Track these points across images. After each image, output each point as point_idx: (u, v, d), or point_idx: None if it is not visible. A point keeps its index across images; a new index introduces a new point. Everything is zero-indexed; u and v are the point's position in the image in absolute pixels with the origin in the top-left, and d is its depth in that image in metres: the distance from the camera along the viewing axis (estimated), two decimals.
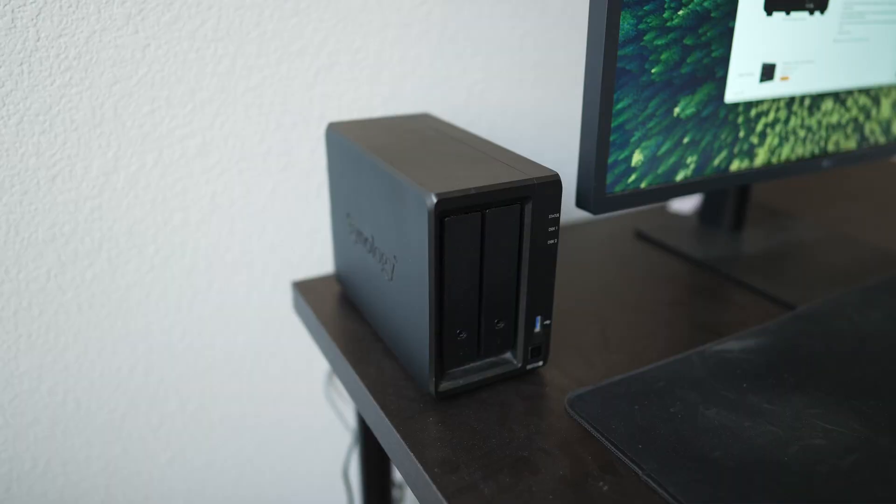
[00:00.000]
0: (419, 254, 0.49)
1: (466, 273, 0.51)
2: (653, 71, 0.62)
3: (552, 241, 0.53)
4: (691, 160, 0.69)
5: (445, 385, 0.54)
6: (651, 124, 0.64)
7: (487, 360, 0.56)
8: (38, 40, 0.64)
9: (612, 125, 0.62)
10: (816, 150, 0.79)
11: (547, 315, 0.55)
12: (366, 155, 0.57)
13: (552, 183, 0.51)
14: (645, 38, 0.60)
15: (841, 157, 0.81)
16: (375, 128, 0.65)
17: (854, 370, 0.57)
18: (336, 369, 0.66)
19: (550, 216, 0.52)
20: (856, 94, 0.78)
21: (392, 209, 0.53)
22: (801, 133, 0.76)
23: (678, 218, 0.93)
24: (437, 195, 0.47)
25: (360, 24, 0.78)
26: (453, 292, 0.51)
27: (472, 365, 0.55)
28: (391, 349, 0.61)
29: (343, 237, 0.67)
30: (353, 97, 0.81)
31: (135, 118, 0.70)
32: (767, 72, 0.70)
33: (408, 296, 0.53)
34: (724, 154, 0.71)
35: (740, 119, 0.70)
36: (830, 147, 0.80)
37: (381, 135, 0.62)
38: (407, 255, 0.52)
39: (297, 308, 0.77)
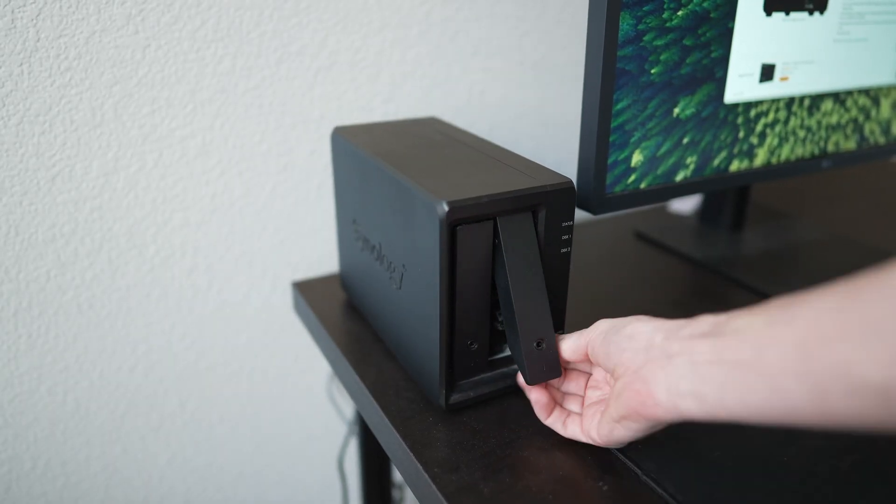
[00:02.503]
0: (430, 263, 0.48)
1: (478, 282, 0.49)
2: (652, 71, 0.62)
3: (565, 250, 0.52)
4: (691, 160, 0.69)
5: (456, 398, 0.52)
6: (651, 125, 0.64)
7: (498, 371, 0.54)
8: (38, 41, 0.64)
9: (612, 125, 0.62)
10: (816, 151, 0.79)
11: (559, 325, 0.54)
12: (373, 161, 0.56)
13: (566, 190, 0.50)
14: (644, 38, 0.60)
15: (841, 158, 0.81)
16: (382, 132, 0.64)
17: None
18: (336, 370, 0.66)
19: (564, 224, 0.51)
20: (855, 95, 0.78)
21: (401, 217, 0.52)
22: (801, 133, 0.76)
23: (678, 218, 0.93)
24: (449, 203, 0.45)
25: (360, 24, 0.78)
26: (464, 302, 0.49)
27: (482, 376, 0.54)
28: (399, 359, 0.60)
29: (349, 243, 0.66)
30: (353, 97, 0.81)
31: (135, 119, 0.70)
32: (767, 72, 0.70)
33: (417, 305, 0.52)
34: (723, 154, 0.71)
35: (740, 119, 0.70)
36: (830, 147, 0.80)
37: (388, 140, 0.61)
38: (416, 263, 0.50)
39: (297, 308, 0.77)
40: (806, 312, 0.33)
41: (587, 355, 0.48)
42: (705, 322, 0.39)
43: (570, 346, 0.49)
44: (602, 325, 0.47)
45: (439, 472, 0.47)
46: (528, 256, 0.49)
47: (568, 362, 0.51)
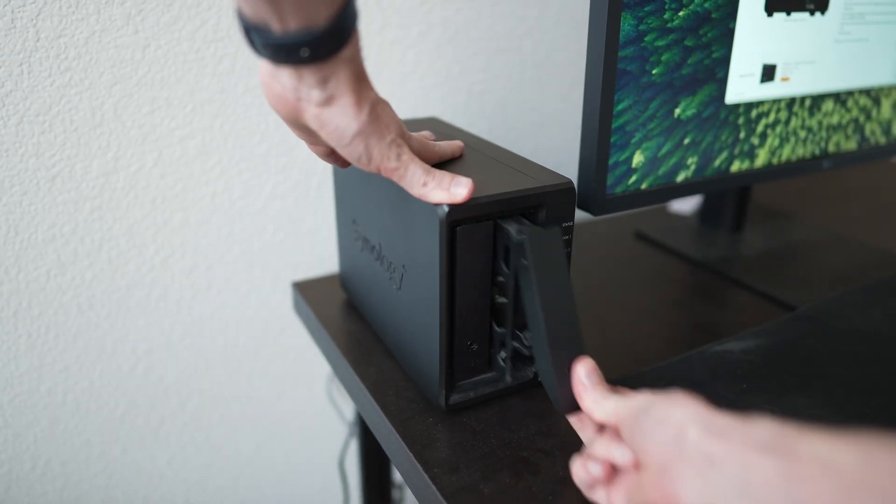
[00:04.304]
0: (430, 263, 0.48)
1: (478, 283, 0.49)
2: (653, 72, 0.62)
3: (566, 251, 0.51)
4: (692, 161, 0.69)
5: (456, 398, 0.52)
6: (652, 125, 0.64)
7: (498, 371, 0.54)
8: (37, 40, 0.64)
9: (613, 126, 0.62)
10: (817, 151, 0.79)
11: None
12: None
13: (566, 190, 0.49)
14: (646, 39, 0.60)
15: (841, 158, 0.81)
16: None
17: (854, 370, 0.57)
18: (336, 370, 0.66)
19: (564, 224, 0.50)
20: (856, 95, 0.78)
21: (401, 217, 0.52)
22: (802, 134, 0.76)
23: (678, 219, 0.93)
24: (449, 203, 0.45)
25: (361, 24, 0.78)
26: (464, 302, 0.49)
27: (482, 377, 0.54)
28: (399, 359, 0.60)
29: (349, 244, 0.66)
30: None
31: (135, 119, 0.70)
32: (768, 72, 0.69)
33: (417, 306, 0.52)
34: (724, 155, 0.71)
35: (741, 120, 0.70)
36: (831, 148, 0.80)
37: None
38: (416, 264, 0.50)
39: (297, 308, 0.77)
40: None
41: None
42: (765, 430, 0.33)
43: (608, 410, 0.41)
44: (638, 401, 0.39)
45: (439, 472, 0.47)
46: (559, 277, 0.45)
47: (600, 425, 0.44)
